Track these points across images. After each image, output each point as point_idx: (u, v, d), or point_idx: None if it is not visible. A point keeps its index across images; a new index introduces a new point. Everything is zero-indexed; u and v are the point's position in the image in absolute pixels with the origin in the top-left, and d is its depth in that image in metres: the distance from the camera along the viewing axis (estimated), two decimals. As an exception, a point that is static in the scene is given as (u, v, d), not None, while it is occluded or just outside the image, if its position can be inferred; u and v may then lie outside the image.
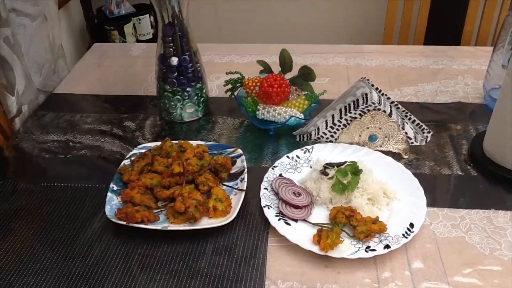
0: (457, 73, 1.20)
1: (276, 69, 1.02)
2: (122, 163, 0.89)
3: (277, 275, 0.71)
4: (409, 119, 0.94)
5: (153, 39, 1.97)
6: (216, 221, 0.78)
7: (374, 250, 0.73)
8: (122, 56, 1.33)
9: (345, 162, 0.85)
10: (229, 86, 1.05)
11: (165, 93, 1.01)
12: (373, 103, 0.90)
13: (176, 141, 0.92)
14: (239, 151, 0.91)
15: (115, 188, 0.85)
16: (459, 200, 0.83)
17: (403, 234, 0.75)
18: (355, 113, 0.92)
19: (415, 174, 0.85)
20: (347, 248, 0.74)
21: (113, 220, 0.77)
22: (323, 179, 0.83)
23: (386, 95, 0.96)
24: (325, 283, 0.70)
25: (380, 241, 0.74)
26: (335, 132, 0.95)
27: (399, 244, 0.73)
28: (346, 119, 0.93)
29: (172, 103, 1.02)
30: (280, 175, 0.87)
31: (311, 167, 0.89)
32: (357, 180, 0.81)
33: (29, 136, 1.02)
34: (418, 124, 0.94)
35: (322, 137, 0.96)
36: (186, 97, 1.01)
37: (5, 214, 0.82)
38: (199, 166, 0.85)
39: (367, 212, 0.79)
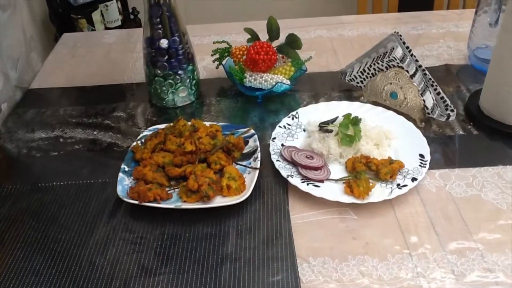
0: (438, 37, 1.22)
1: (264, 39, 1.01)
2: (134, 143, 0.86)
3: (307, 252, 0.70)
4: (434, 89, 0.93)
5: (122, 26, 1.89)
6: (230, 199, 0.76)
7: (405, 185, 0.77)
8: (95, 45, 1.26)
9: (336, 117, 0.88)
10: (217, 56, 1.03)
11: (156, 78, 0.97)
12: (394, 59, 0.90)
13: (189, 121, 0.89)
14: (252, 131, 0.89)
15: (127, 169, 0.82)
16: (467, 159, 0.85)
17: (420, 165, 0.80)
18: (382, 65, 0.93)
19: (421, 138, 0.87)
20: (381, 190, 0.77)
21: (126, 199, 0.75)
22: (328, 137, 0.84)
23: (415, 56, 0.95)
24: (356, 254, 0.70)
25: (404, 176, 0.78)
26: (364, 79, 0.98)
27: (422, 174, 0.78)
28: (374, 69, 0.95)
29: (164, 88, 0.98)
30: (282, 145, 0.86)
31: (304, 131, 0.90)
32: (359, 129, 0.84)
33: (13, 136, 0.95)
34: (443, 98, 0.92)
35: (354, 79, 0.99)
36: (179, 81, 0.98)
37: (5, 218, 0.77)
38: (211, 145, 0.83)
39: (377, 156, 0.83)
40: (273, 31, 0.99)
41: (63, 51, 1.24)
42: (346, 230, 0.73)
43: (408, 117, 0.91)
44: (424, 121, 0.91)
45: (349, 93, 1.02)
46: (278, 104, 1.00)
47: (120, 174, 0.80)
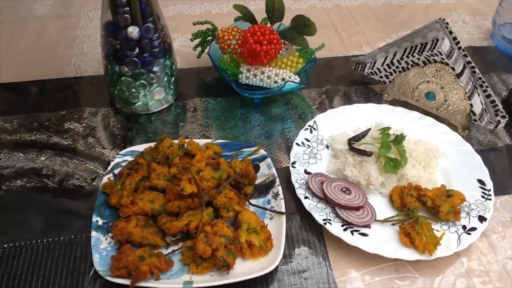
0: (449, 9, 1.04)
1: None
2: (104, 178, 0.62)
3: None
4: (484, 90, 0.75)
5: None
6: (256, 266, 0.56)
7: (474, 228, 0.60)
8: (24, 19, 0.95)
9: (368, 129, 0.70)
10: (198, 40, 0.81)
11: (123, 78, 0.72)
12: (440, 53, 0.71)
13: (177, 140, 0.67)
14: (262, 151, 0.67)
15: (100, 222, 0.58)
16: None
17: (483, 197, 0.64)
18: (418, 58, 0.74)
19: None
20: (446, 237, 0.60)
21: (109, 279, 0.53)
22: (367, 161, 0.66)
23: (464, 50, 0.76)
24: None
25: (467, 213, 0.63)
26: (391, 73, 0.79)
27: (489, 210, 0.62)
28: (407, 62, 0.76)
29: (134, 90, 0.73)
30: (306, 171, 0.66)
31: (327, 147, 0.71)
32: (403, 149, 0.66)
33: None
34: (494, 102, 0.75)
35: (376, 73, 0.80)
36: (154, 80, 0.73)
37: None
38: (215, 180, 0.61)
39: (425, 183, 0.66)
40: (275, 11, 0.76)
41: (-22, 28, 0.93)
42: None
43: (448, 124, 0.74)
44: (467, 129, 0.74)
45: (367, 89, 0.82)
46: (281, 105, 0.79)
47: (94, 233, 0.57)
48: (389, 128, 0.67)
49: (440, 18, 0.75)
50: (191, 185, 0.59)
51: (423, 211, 0.63)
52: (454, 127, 0.74)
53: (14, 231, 0.59)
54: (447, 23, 0.74)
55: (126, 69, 0.70)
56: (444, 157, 0.69)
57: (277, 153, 0.71)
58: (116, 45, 0.69)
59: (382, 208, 0.64)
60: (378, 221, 0.62)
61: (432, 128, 0.73)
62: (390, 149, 0.65)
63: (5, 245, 0.58)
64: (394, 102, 0.78)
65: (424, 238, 0.58)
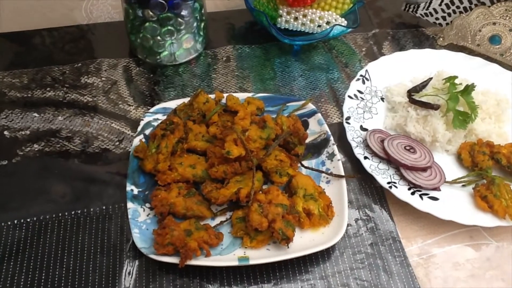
0: None
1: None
2: (135, 141, 0.55)
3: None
4: None
5: None
6: (317, 236, 0.49)
7: None
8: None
9: (429, 79, 0.62)
10: None
11: (147, 24, 0.62)
12: None
13: (212, 95, 0.59)
14: (311, 106, 0.59)
15: (136, 191, 0.51)
16: None
17: None
18: None
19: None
20: None
21: (154, 257, 0.46)
22: (433, 115, 0.58)
23: None
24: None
25: None
26: (449, 14, 0.70)
27: None
28: (470, 1, 0.68)
29: (159, 38, 0.64)
30: (362, 127, 0.59)
31: (382, 100, 0.63)
32: (473, 101, 0.58)
33: None
34: None
35: (431, 14, 0.71)
36: (182, 26, 0.63)
37: None
38: (263, 140, 0.53)
39: (496, 139, 0.59)
40: None
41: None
42: (488, 265, 0.50)
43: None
44: (535, 78, 0.66)
45: (418, 32, 0.74)
46: (324, 53, 0.70)
47: (130, 205, 0.50)
48: (456, 77, 0.59)
49: None
50: (238, 147, 0.51)
51: (496, 170, 0.56)
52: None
53: (37, 204, 0.52)
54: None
55: (150, 13, 0.61)
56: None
57: (325, 107, 0.63)
58: (139, -15, 0.59)
59: (450, 167, 0.57)
60: (447, 182, 0.55)
61: (499, 77, 0.64)
62: (459, 101, 0.57)
63: (28, 220, 0.50)
64: (450, 47, 0.69)
65: (503, 202, 0.51)
